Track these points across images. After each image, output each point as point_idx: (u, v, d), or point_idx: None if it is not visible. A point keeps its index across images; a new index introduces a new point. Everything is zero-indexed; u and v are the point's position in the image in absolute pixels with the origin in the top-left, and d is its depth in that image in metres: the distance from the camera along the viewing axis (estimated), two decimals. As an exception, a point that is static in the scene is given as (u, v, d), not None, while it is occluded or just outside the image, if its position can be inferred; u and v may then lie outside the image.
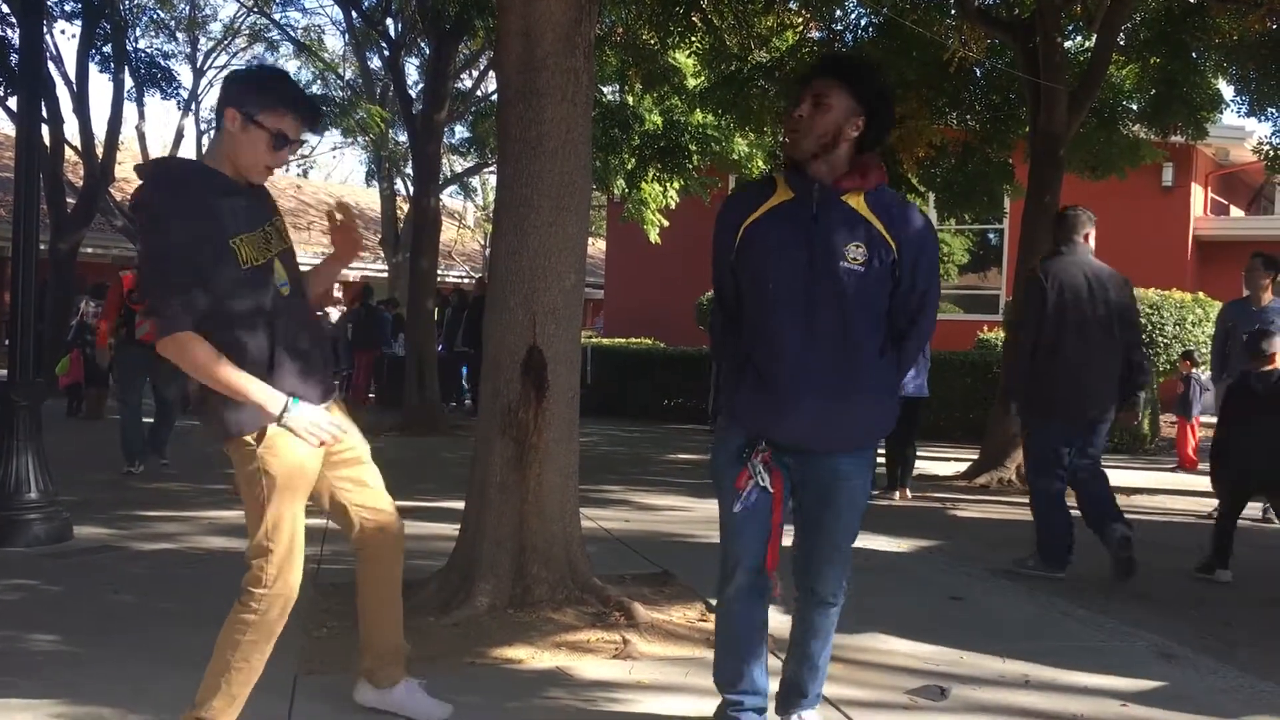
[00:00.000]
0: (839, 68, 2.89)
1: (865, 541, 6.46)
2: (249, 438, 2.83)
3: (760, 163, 15.25)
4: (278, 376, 2.85)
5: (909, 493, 8.40)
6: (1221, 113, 11.43)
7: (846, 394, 2.84)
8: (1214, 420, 8.70)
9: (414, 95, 15.92)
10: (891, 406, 3.00)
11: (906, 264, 2.83)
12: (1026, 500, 7.71)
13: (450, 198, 31.08)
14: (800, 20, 12.30)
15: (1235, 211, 20.40)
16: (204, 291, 2.74)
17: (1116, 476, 9.88)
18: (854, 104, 2.82)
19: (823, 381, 2.81)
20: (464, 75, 20.37)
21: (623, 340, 17.49)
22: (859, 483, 2.98)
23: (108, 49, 16.72)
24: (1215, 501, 7.91)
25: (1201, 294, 14.26)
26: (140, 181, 2.85)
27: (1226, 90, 11.49)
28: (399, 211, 24.89)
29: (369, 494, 3.19)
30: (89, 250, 20.93)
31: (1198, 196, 17.99)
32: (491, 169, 22.48)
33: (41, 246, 6.32)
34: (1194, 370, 10.93)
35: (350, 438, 3.10)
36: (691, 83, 14.20)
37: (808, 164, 2.85)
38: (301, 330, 2.96)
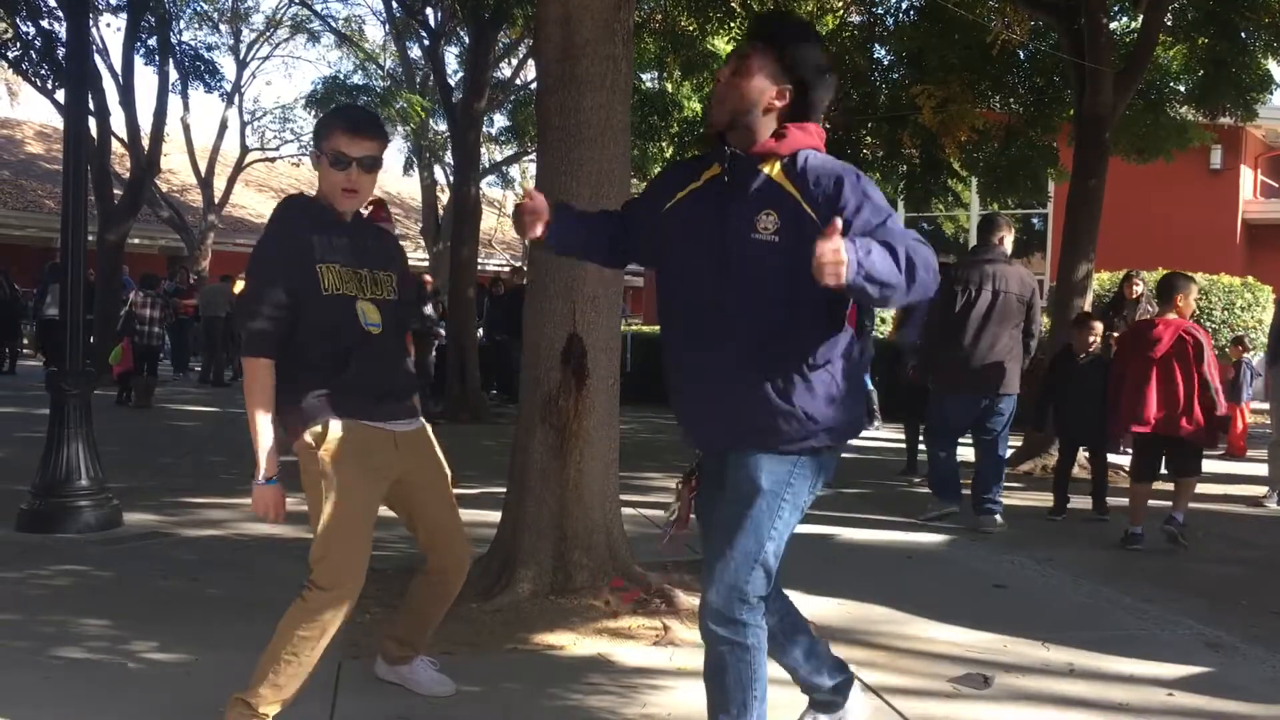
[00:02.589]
0: (764, 29, 2.63)
1: (908, 529, 6.45)
2: (309, 438, 2.98)
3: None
4: (334, 394, 3.01)
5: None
6: (1272, 94, 11.20)
7: (739, 377, 2.54)
8: (1265, 406, 8.54)
9: (453, 84, 15.95)
10: (798, 397, 2.53)
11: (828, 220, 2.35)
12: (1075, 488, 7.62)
13: (490, 186, 31.19)
14: (840, 4, 12.20)
15: (1286, 194, 20.01)
16: (285, 317, 2.95)
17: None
18: (779, 71, 2.55)
19: (722, 363, 2.56)
20: (503, 64, 20.44)
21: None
22: (767, 489, 2.54)
23: (152, 42, 16.92)
24: (1265, 488, 7.83)
25: (1251, 278, 14.03)
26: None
27: (1277, 71, 11.30)
28: (439, 200, 25.01)
29: (438, 528, 3.31)
30: (136, 241, 21.27)
31: (1247, 179, 17.67)
32: (531, 157, 22.53)
33: (89, 237, 6.40)
34: (1244, 355, 10.77)
35: (428, 470, 3.25)
36: (731, 69, 14.13)
37: (727, 133, 2.60)
38: (376, 364, 3.08)
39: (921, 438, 8.66)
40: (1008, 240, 6.81)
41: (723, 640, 2.55)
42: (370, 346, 3.06)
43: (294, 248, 2.99)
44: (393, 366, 3.16)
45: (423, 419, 3.28)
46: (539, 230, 2.69)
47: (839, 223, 2.19)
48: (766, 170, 2.54)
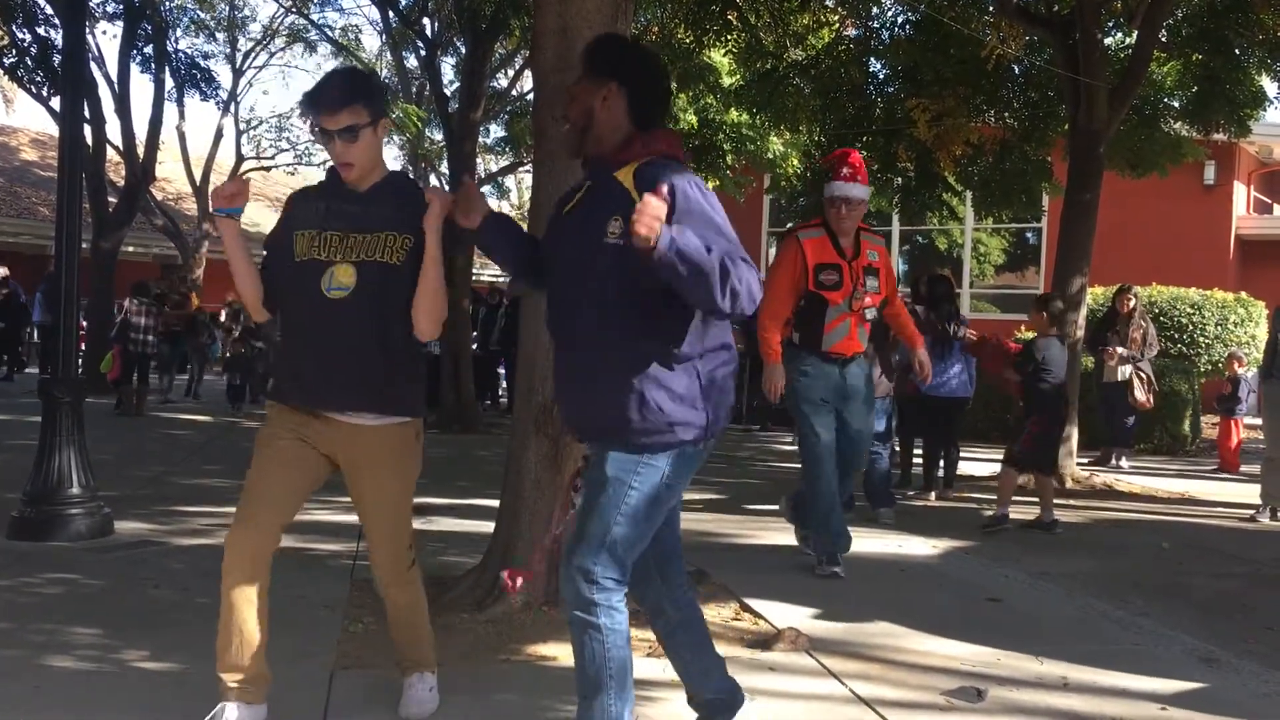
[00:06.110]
0: (585, 55, 2.85)
1: (901, 542, 6.44)
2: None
3: (795, 161, 15.18)
4: (279, 363, 3.20)
5: (947, 492, 8.34)
6: (1265, 110, 11.26)
7: (597, 375, 2.71)
8: (1258, 422, 8.54)
9: (450, 94, 15.99)
10: (651, 395, 2.66)
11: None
12: (1068, 502, 7.63)
13: (486, 197, 31.22)
14: (836, 17, 12.23)
15: (1279, 210, 20.09)
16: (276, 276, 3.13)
17: (1157, 480, 9.78)
18: (595, 76, 2.76)
19: (583, 362, 2.75)
20: (500, 74, 20.45)
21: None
22: (613, 476, 2.69)
23: (149, 50, 16.93)
24: (1257, 502, 7.84)
25: (1244, 294, 14.06)
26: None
27: (1270, 87, 11.32)
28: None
29: (368, 533, 3.25)
30: (130, 249, 21.23)
31: (1240, 195, 17.74)
32: (526, 168, 22.54)
33: (83, 245, 6.37)
34: (1239, 370, 10.80)
35: (362, 470, 3.11)
36: (726, 81, 14.18)
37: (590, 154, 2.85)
38: (328, 337, 2.99)
39: (918, 451, 8.67)
40: None
41: (577, 621, 2.70)
42: (327, 315, 2.95)
43: (284, 215, 3.14)
44: (347, 343, 2.97)
45: (386, 416, 3.06)
46: (476, 220, 2.96)
47: (665, 188, 2.43)
48: (620, 178, 2.72)
